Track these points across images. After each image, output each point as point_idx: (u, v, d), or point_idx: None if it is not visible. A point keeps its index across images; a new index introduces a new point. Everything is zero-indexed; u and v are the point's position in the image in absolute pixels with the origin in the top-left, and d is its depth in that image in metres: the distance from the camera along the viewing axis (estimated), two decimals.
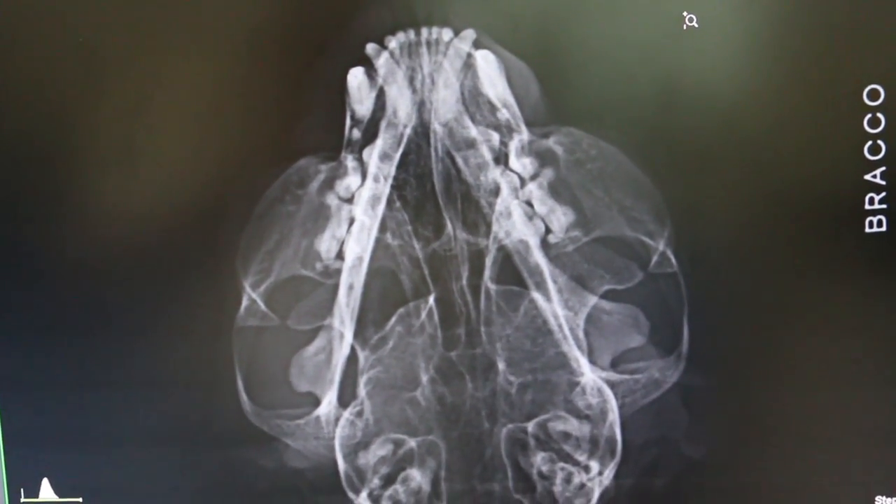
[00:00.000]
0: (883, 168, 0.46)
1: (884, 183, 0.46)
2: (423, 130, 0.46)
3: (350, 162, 0.46)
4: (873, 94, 0.45)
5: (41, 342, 0.49)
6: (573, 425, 0.48)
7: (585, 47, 0.45)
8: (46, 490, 0.50)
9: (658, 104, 0.46)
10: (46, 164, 0.47)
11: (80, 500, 0.50)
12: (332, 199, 0.47)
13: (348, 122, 0.46)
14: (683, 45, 0.45)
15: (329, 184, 0.46)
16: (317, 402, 0.48)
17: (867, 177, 0.46)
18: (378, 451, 0.48)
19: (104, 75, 0.46)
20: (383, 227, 0.47)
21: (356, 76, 0.45)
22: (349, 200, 0.47)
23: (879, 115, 0.46)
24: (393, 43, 0.45)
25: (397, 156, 0.46)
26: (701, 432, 0.48)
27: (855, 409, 0.48)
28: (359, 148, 0.46)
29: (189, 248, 0.47)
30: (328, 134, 0.46)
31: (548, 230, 0.47)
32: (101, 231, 0.47)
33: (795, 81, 0.46)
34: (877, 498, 0.49)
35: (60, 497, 0.50)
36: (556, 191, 0.46)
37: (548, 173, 0.46)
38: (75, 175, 0.47)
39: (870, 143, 0.46)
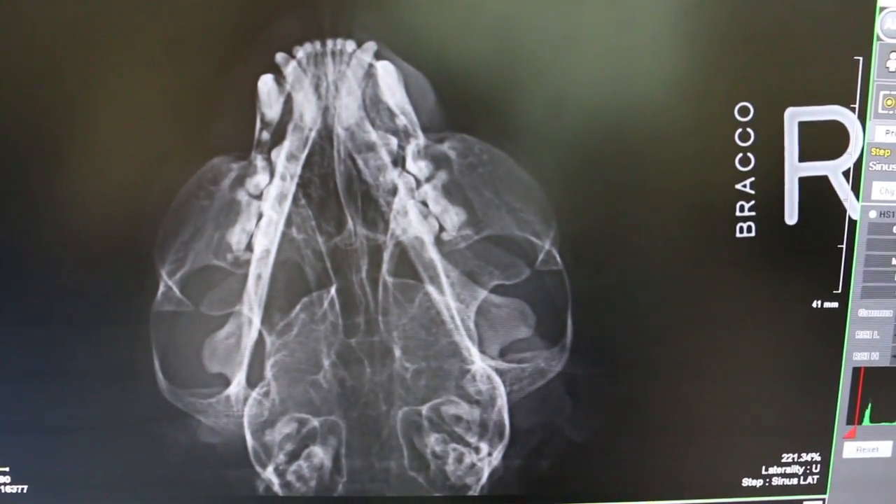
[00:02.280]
0: (752, 178, 0.48)
1: (753, 192, 0.49)
2: (326, 134, 0.48)
3: (259, 161, 0.48)
4: (743, 111, 0.48)
5: None
6: (464, 409, 0.50)
7: (479, 60, 0.47)
8: None
9: (546, 114, 0.47)
10: None
11: (7, 469, 0.51)
12: (242, 196, 0.48)
13: (258, 124, 0.47)
14: (571, 60, 0.47)
15: (240, 181, 0.48)
16: (227, 383, 0.50)
17: (738, 186, 0.49)
18: (283, 429, 0.50)
19: (31, 78, 0.46)
20: (289, 222, 0.48)
21: (266, 83, 0.47)
22: (258, 197, 0.48)
23: (749, 129, 0.48)
24: (300, 53, 0.47)
25: (303, 156, 0.48)
26: (583, 418, 0.51)
27: (724, 399, 0.51)
28: (268, 149, 0.48)
29: (109, 239, 0.48)
30: (240, 135, 0.47)
31: (441, 228, 0.49)
32: (27, 223, 0.47)
33: (674, 97, 0.48)
34: (744, 479, 0.53)
35: None
36: (450, 192, 0.48)
37: (442, 175, 0.48)
38: (2, 170, 0.47)
39: (740, 155, 0.48)
